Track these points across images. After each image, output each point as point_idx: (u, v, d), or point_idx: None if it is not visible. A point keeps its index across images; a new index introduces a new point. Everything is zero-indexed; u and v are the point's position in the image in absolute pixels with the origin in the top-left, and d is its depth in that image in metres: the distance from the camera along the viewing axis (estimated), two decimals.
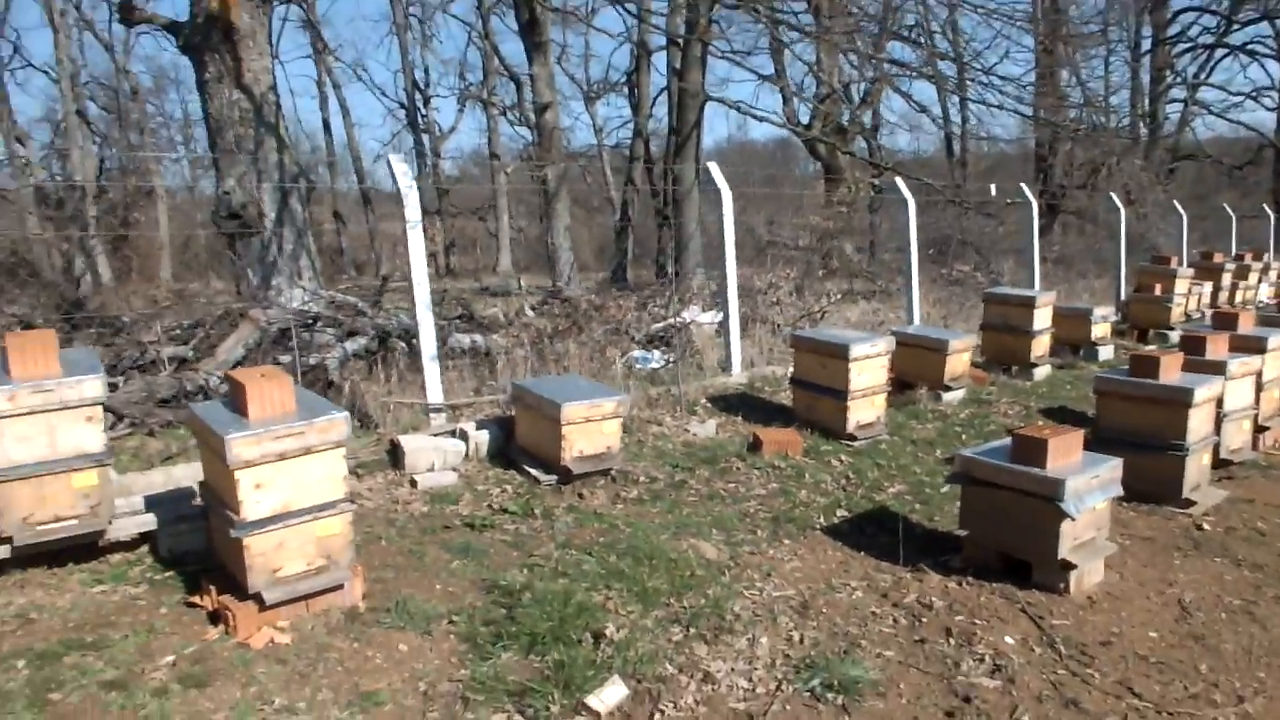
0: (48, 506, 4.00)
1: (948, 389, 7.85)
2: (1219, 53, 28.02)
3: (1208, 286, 12.97)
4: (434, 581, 4.27)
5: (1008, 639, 3.96)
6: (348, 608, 3.92)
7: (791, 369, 7.52)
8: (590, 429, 5.38)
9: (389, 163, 5.81)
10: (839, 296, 11.78)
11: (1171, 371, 5.68)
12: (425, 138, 31.50)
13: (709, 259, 16.88)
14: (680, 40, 16.63)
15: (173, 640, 3.72)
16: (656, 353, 8.69)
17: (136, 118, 32.92)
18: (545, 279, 21.26)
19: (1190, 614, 4.26)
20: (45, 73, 31.73)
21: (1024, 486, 4.38)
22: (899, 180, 10.13)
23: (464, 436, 5.69)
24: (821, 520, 5.29)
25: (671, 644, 3.80)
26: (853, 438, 6.61)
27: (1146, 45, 27.67)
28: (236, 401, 3.73)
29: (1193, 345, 6.35)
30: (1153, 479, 5.49)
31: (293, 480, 3.63)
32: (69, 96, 25.30)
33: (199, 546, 4.40)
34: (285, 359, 6.81)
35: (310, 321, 7.37)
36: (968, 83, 17.33)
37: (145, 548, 4.47)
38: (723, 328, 8.69)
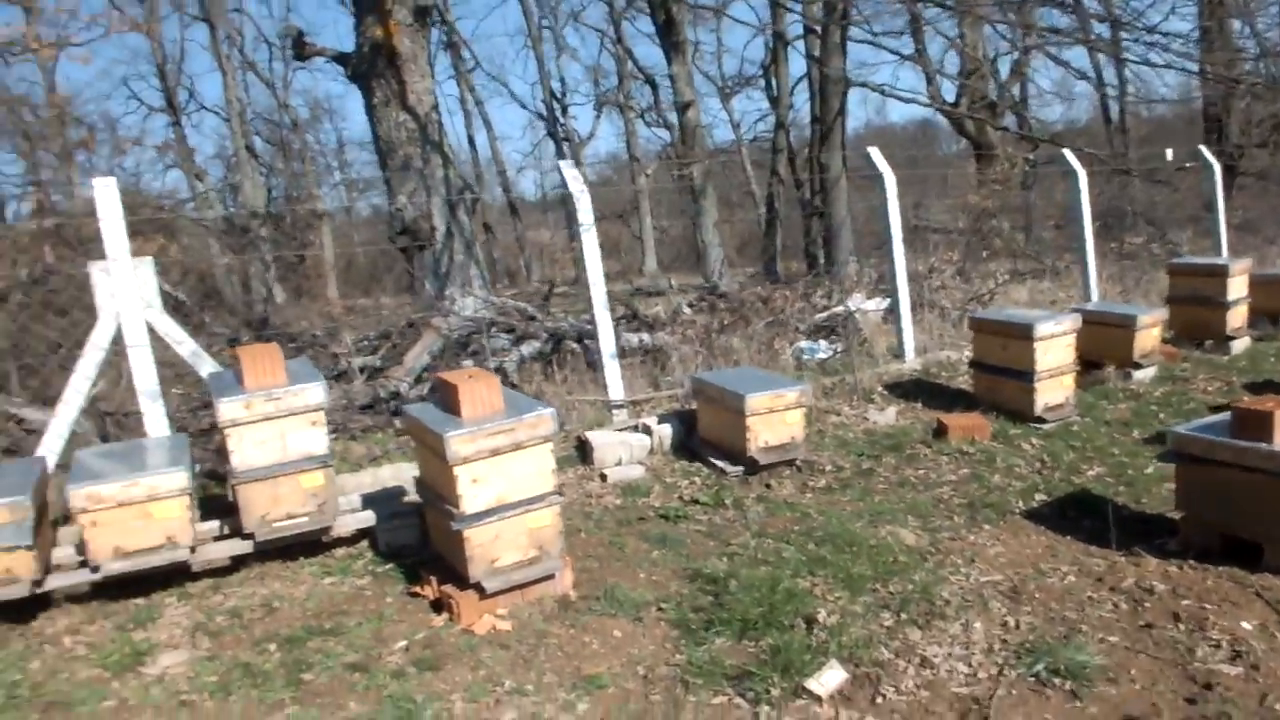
0: (281, 505, 4.31)
1: (1138, 367, 7.45)
2: None
3: None
4: (637, 571, 4.36)
5: (1244, 624, 3.73)
6: (560, 596, 4.06)
7: (969, 352, 7.31)
8: (774, 419, 5.38)
9: (560, 170, 5.97)
10: (1006, 277, 11.33)
11: None
12: (565, 145, 32.13)
13: (860, 247, 16.58)
14: (819, 27, 16.40)
15: (402, 627, 3.94)
16: (823, 343, 8.60)
17: (299, 148, 35.02)
18: (692, 277, 21.34)
19: None
20: (216, 113, 34.17)
21: (1250, 463, 4.11)
22: (1066, 151, 9.67)
23: (647, 431, 5.79)
24: (1020, 505, 5.12)
25: (884, 629, 3.77)
26: (1041, 420, 6.36)
27: None
28: (448, 402, 3.92)
29: None
30: None
31: (505, 475, 3.79)
32: (238, 133, 27.09)
33: (413, 540, 4.65)
34: (467, 363, 7.11)
35: (485, 327, 7.66)
36: (1129, 43, 16.37)
37: (365, 542, 4.76)
38: (890, 314, 8.53)
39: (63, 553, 4.43)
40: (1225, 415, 4.45)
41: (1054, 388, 6.45)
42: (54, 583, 4.20)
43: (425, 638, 3.82)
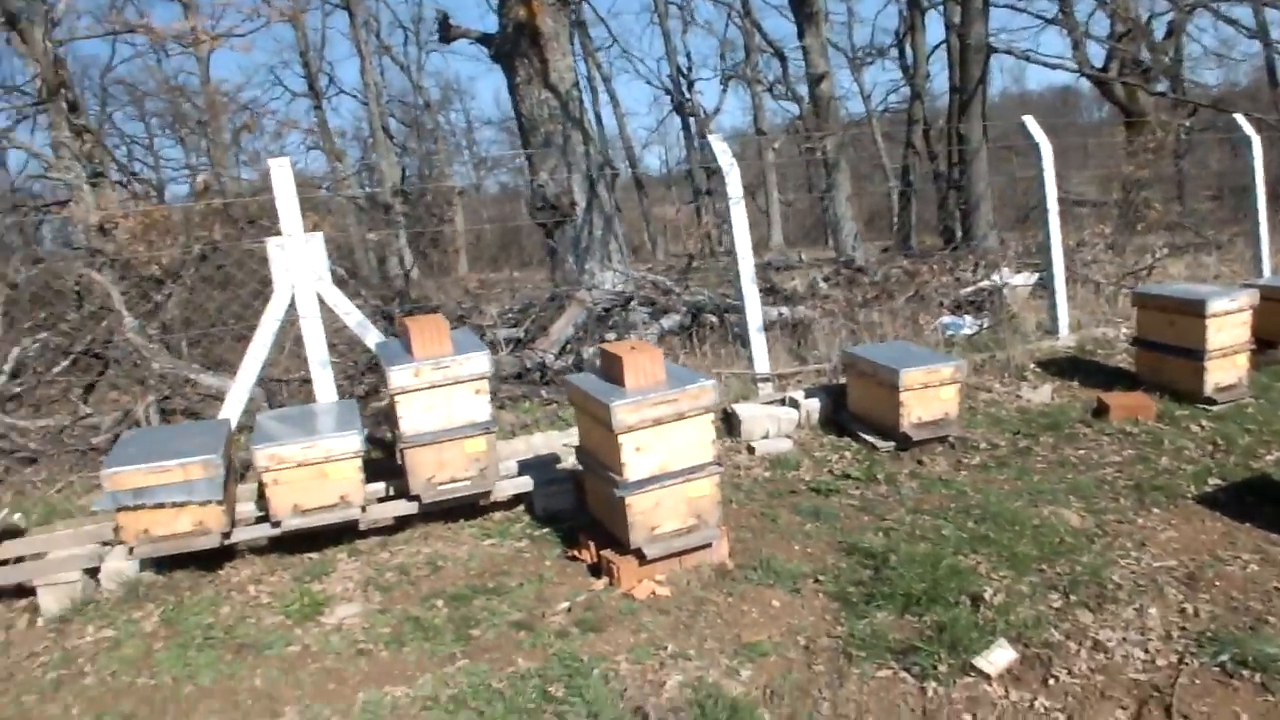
0: (446, 469, 4.48)
1: None
2: None
3: None
4: (791, 543, 4.36)
5: None
6: (716, 564, 4.10)
7: (1128, 329, 6.97)
8: (928, 395, 5.27)
9: (709, 144, 5.95)
10: (1164, 251, 10.73)
11: None
12: (692, 121, 32.03)
13: (1000, 220, 15.99)
14: None
15: (562, 589, 4.06)
16: (968, 318, 8.35)
17: (431, 128, 36.04)
18: (818, 251, 21.02)
19: None
20: (354, 96, 35.48)
21: None
22: (1239, 116, 9.06)
23: (795, 405, 5.76)
24: (1192, 489, 4.87)
25: (1052, 610, 3.66)
26: (1211, 401, 6.02)
27: None
28: (612, 372, 3.99)
29: None
30: None
31: (667, 444, 3.84)
32: (375, 115, 28.02)
33: (569, 505, 4.77)
34: (610, 336, 7.21)
35: (626, 301, 7.74)
36: None
37: (521, 507, 4.90)
38: (1040, 289, 8.21)
39: (243, 509, 4.73)
40: None
41: (1226, 367, 6.09)
42: (239, 535, 4.49)
43: (586, 600, 3.92)
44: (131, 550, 4.28)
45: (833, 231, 17.18)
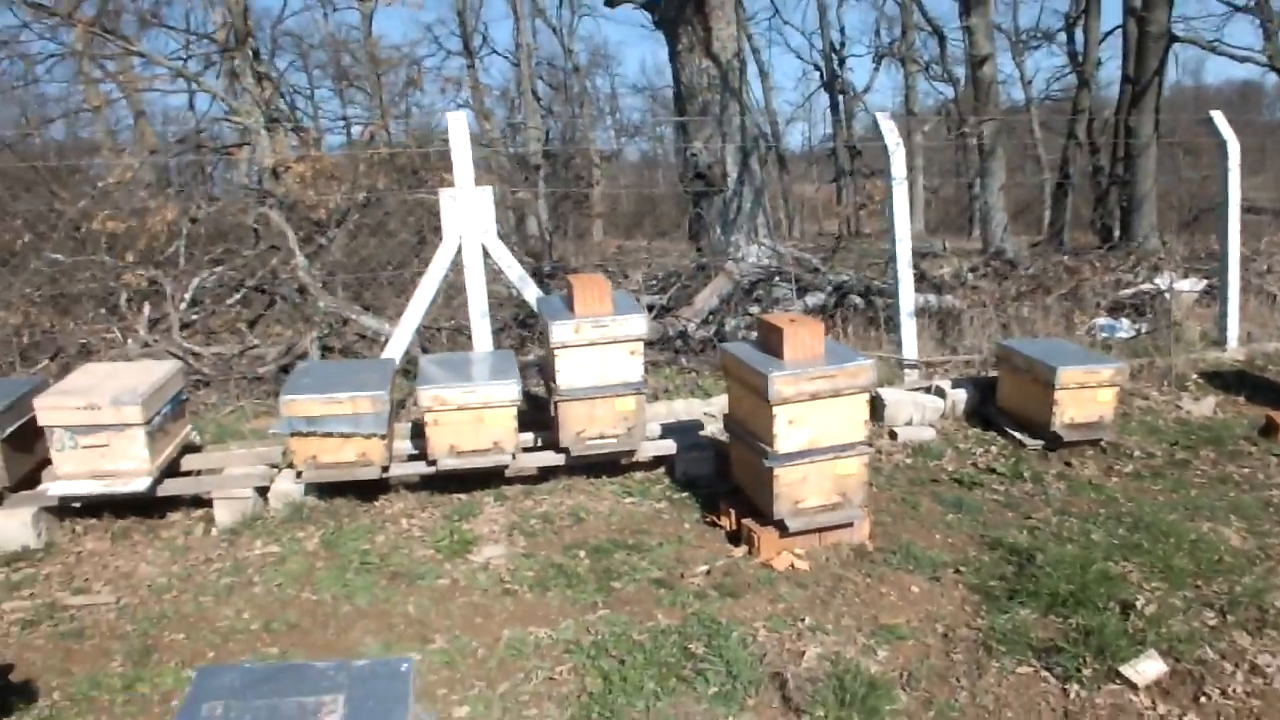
0: (595, 425, 4.62)
1: None
2: None
3: None
4: (932, 531, 4.33)
5: None
6: (856, 544, 4.11)
7: None
8: (1084, 395, 5.11)
9: (876, 120, 5.87)
10: None
11: None
12: (840, 98, 31.41)
13: (1163, 221, 15.16)
14: None
15: (701, 552, 4.15)
16: (1124, 321, 8.01)
17: (577, 91, 36.41)
18: (961, 240, 20.37)
19: None
20: (505, 57, 36.16)
21: None
22: None
23: (940, 393, 5.67)
24: None
25: (1207, 628, 3.53)
26: None
27: None
28: (769, 343, 4.03)
29: None
30: None
31: (821, 420, 3.86)
32: (526, 76, 28.50)
33: (708, 472, 4.85)
34: (754, 310, 7.23)
35: (771, 275, 7.74)
36: None
37: (660, 469, 5.02)
38: (1208, 297, 7.80)
39: (398, 445, 4.99)
40: None
41: None
42: (395, 470, 4.75)
43: (725, 565, 4.00)
44: (299, 474, 4.59)
45: (981, 221, 16.62)
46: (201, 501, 4.79)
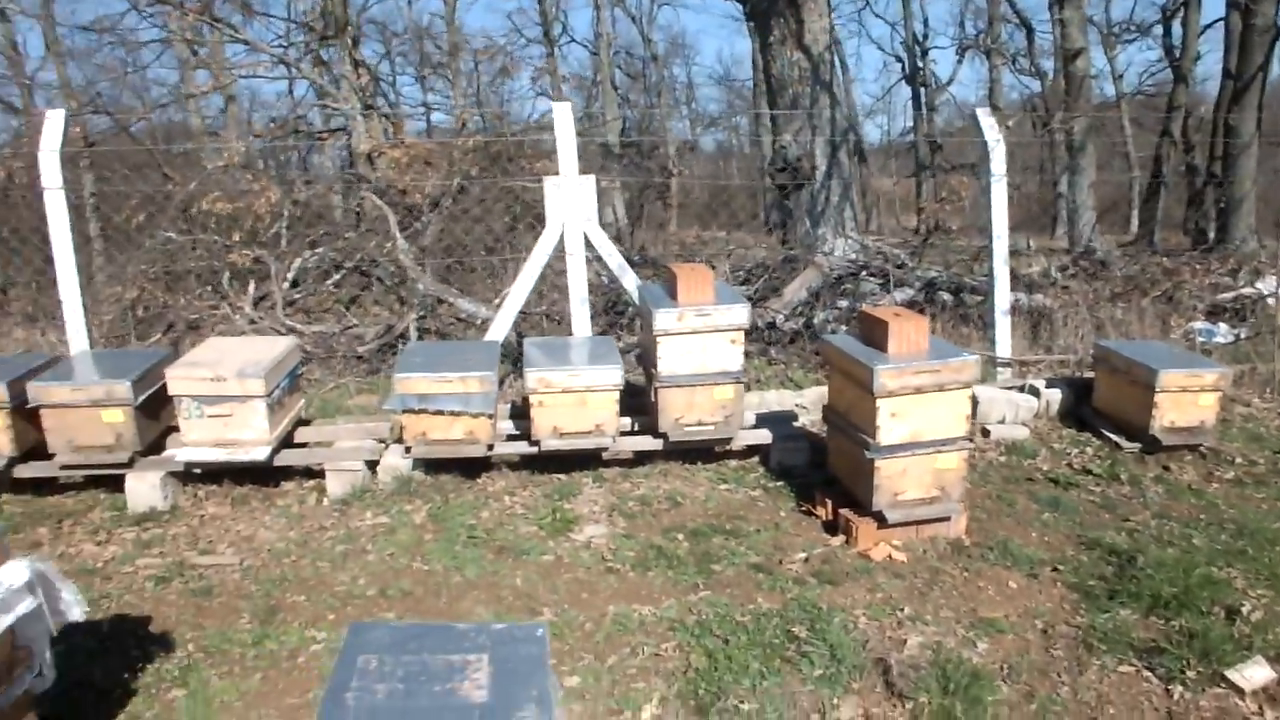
0: (694, 412, 4.73)
1: None
2: None
3: None
4: (1028, 529, 4.35)
5: None
6: (952, 539, 4.15)
7: None
8: (1185, 399, 5.06)
9: (976, 117, 5.85)
10: None
11: None
12: (923, 91, 30.94)
13: (1261, 223, 14.70)
14: None
15: (798, 540, 4.23)
16: (1222, 325, 7.84)
17: (655, 80, 36.47)
18: (1043, 239, 19.95)
19: None
20: (584, 45, 36.36)
21: None
22: None
23: (1034, 392, 5.65)
24: None
25: None
26: None
27: None
28: (873, 337, 4.09)
29: None
30: None
31: (923, 414, 3.91)
32: (606, 64, 28.66)
33: (802, 462, 4.93)
34: (843, 304, 7.26)
35: (859, 270, 7.75)
36: None
37: (755, 458, 5.11)
38: None
39: (499, 425, 5.16)
40: None
41: None
42: (500, 449, 4.92)
43: (822, 554, 4.08)
44: (408, 449, 4.79)
45: (1068, 219, 16.29)
46: (313, 472, 5.03)
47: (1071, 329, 6.90)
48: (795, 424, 5.13)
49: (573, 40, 43.13)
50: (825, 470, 4.65)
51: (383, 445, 5.04)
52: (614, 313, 7.66)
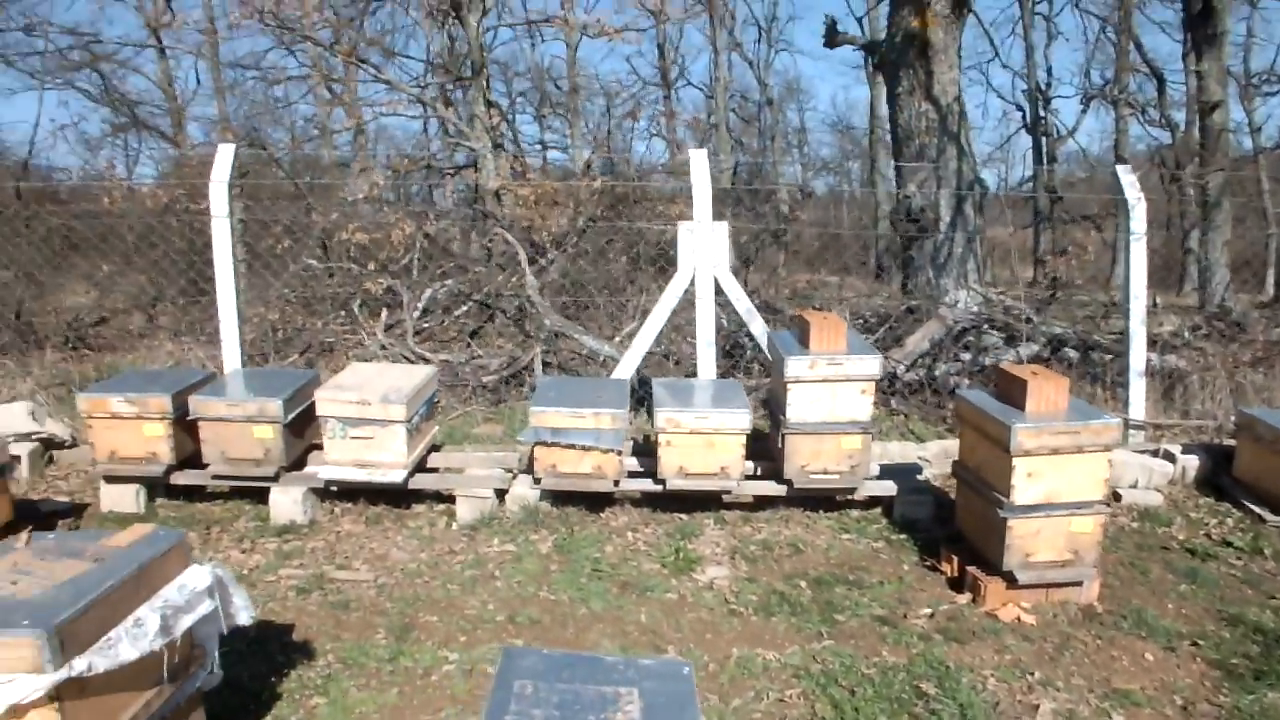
0: (820, 460, 4.76)
1: None
2: None
3: None
4: (1164, 600, 4.22)
5: None
6: (1084, 605, 4.07)
7: None
8: None
9: (1116, 174, 5.76)
10: None
11: None
12: (1043, 140, 30.24)
13: None
14: None
15: (923, 595, 4.20)
16: None
17: (769, 124, 36.62)
18: (1168, 295, 19.19)
19: None
20: (699, 89, 36.84)
21: None
22: None
23: (1169, 458, 5.48)
24: None
25: None
26: None
27: None
28: (1010, 394, 4.06)
29: None
30: None
31: (1060, 475, 3.86)
32: (721, 108, 28.98)
33: (926, 516, 4.89)
34: (965, 357, 7.17)
35: (983, 323, 7.65)
36: None
37: (877, 509, 5.09)
38: None
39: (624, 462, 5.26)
40: None
41: None
42: (625, 485, 5.03)
43: (948, 610, 4.04)
44: (537, 480, 4.94)
45: (1199, 277, 15.68)
46: (442, 497, 5.23)
47: (1209, 393, 6.66)
48: (919, 477, 5.10)
49: (689, 84, 43.72)
50: (950, 526, 4.62)
51: (510, 475, 5.21)
52: (730, 355, 7.73)
